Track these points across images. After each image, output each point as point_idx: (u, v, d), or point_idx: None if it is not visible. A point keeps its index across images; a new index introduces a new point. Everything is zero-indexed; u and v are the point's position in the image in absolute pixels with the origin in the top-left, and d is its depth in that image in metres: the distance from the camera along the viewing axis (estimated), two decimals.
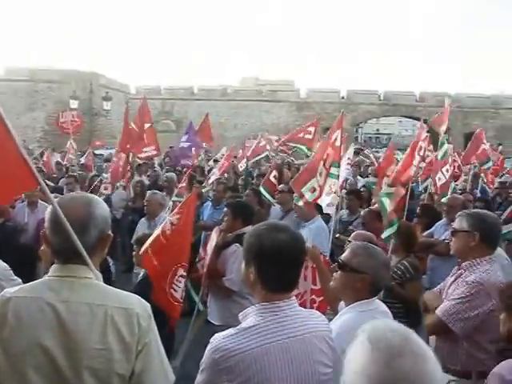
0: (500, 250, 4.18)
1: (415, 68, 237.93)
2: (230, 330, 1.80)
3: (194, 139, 10.77)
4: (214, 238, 4.29)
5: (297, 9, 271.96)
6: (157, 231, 3.83)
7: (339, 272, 2.55)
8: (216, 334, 1.81)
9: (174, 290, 3.62)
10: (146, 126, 9.56)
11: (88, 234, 1.74)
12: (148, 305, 1.76)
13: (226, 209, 4.47)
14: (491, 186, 10.51)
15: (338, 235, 5.72)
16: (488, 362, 2.82)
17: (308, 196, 5.14)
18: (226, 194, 7.23)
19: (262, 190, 6.26)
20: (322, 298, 3.26)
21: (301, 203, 5.23)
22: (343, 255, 2.58)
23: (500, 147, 18.97)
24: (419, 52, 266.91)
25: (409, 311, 3.89)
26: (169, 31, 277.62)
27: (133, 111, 14.15)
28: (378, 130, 63.62)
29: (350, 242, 3.76)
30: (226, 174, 10.15)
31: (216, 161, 11.40)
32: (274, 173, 7.58)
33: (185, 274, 3.72)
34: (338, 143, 5.24)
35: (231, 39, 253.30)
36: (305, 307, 3.12)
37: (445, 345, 2.97)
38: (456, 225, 3.10)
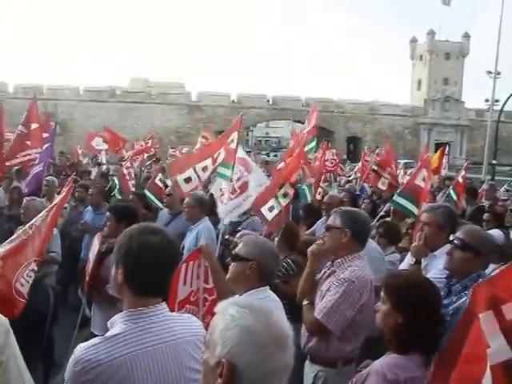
0: (373, 243, 4.46)
1: (303, 75, 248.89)
2: (94, 340, 1.72)
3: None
4: (96, 245, 4.11)
5: (178, 11, 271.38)
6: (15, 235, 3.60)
7: (232, 263, 2.69)
8: (79, 345, 1.72)
9: (21, 285, 3.39)
10: (33, 126, 8.82)
11: None
12: (5, 319, 1.62)
13: (108, 213, 4.31)
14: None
15: (227, 236, 5.77)
16: (352, 351, 3.07)
17: (184, 187, 5.13)
18: (101, 197, 6.95)
19: (147, 193, 6.09)
20: (213, 297, 3.27)
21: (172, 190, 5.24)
22: (236, 248, 2.75)
23: (377, 150, 20.33)
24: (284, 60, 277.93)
25: (293, 307, 4.03)
26: (53, 28, 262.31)
27: (10, 112, 13.04)
28: (267, 133, 65.48)
29: (235, 242, 3.83)
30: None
31: (99, 164, 10.94)
32: (160, 176, 7.43)
33: (36, 268, 3.52)
34: (233, 145, 5.13)
35: (117, 38, 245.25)
36: (198, 306, 3.15)
37: (315, 340, 3.11)
38: (330, 221, 3.25)
